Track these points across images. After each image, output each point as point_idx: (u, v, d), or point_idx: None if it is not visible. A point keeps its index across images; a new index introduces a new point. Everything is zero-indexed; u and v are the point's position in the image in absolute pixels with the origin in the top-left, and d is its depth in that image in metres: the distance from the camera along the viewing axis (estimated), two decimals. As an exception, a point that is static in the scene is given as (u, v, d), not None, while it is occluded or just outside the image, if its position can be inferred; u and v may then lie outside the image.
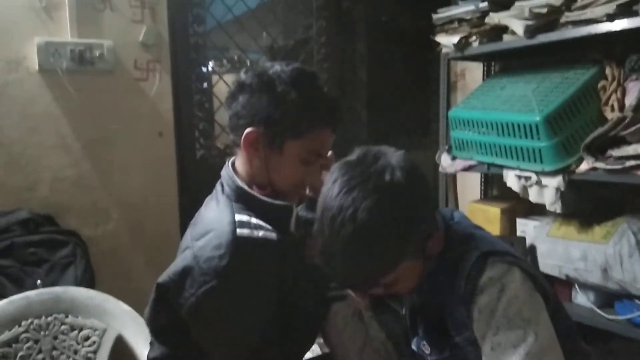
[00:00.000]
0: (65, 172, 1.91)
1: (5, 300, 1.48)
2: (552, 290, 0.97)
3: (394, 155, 0.88)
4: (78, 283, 1.74)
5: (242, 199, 1.02)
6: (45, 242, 1.77)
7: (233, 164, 1.09)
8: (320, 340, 1.13)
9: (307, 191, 1.12)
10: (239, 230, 0.93)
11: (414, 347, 1.01)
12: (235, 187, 1.03)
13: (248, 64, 2.40)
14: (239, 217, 0.96)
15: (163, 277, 0.97)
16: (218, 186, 1.07)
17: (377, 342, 1.09)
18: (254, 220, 0.97)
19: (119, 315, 1.49)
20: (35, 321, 1.49)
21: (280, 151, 1.01)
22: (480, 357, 0.89)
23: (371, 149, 0.90)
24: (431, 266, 0.93)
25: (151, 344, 1.08)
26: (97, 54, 1.89)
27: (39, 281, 1.68)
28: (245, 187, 1.03)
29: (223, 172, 1.08)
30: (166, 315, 0.99)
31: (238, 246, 0.92)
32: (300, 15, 2.44)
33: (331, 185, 0.86)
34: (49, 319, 1.50)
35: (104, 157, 1.97)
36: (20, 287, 1.62)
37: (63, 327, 1.51)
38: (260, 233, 0.95)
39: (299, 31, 2.47)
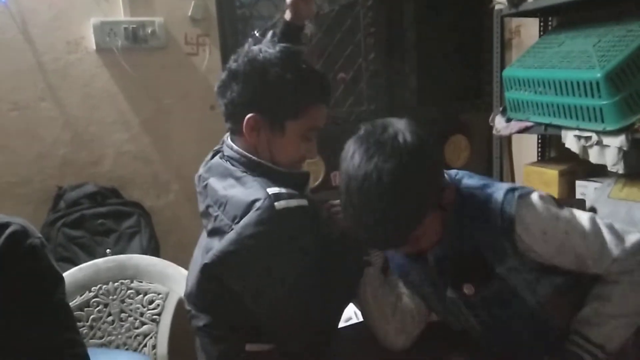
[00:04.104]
0: (126, 146, 2.01)
1: (75, 268, 1.60)
2: None
3: (399, 122, 0.94)
4: (144, 251, 1.84)
5: (264, 174, 1.03)
6: (112, 214, 1.88)
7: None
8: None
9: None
10: (276, 204, 0.94)
11: (451, 294, 1.04)
12: (256, 163, 1.05)
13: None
14: (271, 190, 0.97)
15: (210, 257, 0.98)
16: (228, 165, 1.07)
17: (406, 300, 1.13)
18: (284, 190, 0.98)
19: (179, 280, 1.57)
20: (104, 287, 1.60)
21: (282, 132, 1.04)
22: (524, 280, 0.97)
23: (377, 121, 0.96)
24: (451, 217, 0.99)
25: (192, 316, 1.12)
26: (149, 32, 1.95)
27: (108, 250, 1.80)
28: (265, 162, 1.05)
29: (229, 153, 1.08)
30: (212, 292, 1.04)
31: (279, 219, 0.94)
32: (346, -21, 2.39)
33: (350, 159, 0.91)
34: (116, 284, 1.61)
35: (161, 131, 2.05)
36: (92, 256, 1.75)
37: (129, 291, 1.62)
38: (294, 202, 0.97)
39: (344, -4, 2.42)
